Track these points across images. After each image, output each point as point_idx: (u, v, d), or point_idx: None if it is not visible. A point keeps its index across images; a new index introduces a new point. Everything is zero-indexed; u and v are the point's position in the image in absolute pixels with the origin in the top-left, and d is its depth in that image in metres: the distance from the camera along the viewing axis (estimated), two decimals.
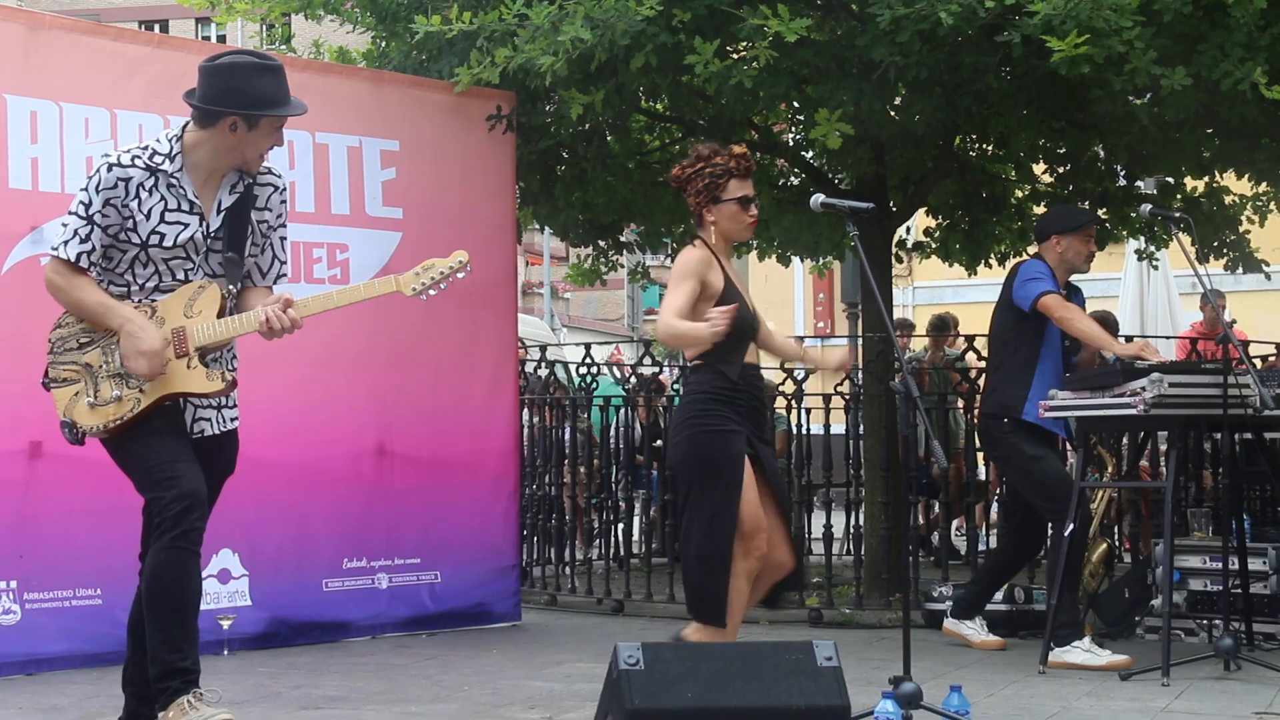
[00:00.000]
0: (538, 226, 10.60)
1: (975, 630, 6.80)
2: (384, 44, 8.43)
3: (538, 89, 7.49)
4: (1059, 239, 6.59)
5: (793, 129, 9.53)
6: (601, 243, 9.86)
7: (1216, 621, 6.41)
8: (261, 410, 6.73)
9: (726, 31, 7.00)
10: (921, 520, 10.45)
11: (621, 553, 9.48)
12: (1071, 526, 6.19)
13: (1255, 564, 6.59)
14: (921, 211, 9.56)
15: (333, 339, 6.88)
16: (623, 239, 10.03)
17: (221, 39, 30.97)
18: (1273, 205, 9.38)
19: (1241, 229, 9.34)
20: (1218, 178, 9.14)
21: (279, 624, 6.89)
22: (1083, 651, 6.19)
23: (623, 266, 11.35)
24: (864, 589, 8.08)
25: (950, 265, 10.27)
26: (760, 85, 7.06)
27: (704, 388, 5.08)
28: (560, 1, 6.66)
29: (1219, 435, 6.71)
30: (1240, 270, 9.38)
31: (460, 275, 4.60)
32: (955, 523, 10.68)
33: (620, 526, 9.80)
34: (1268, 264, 9.41)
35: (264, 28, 10.25)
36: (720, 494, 4.96)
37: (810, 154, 8.73)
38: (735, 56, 7.36)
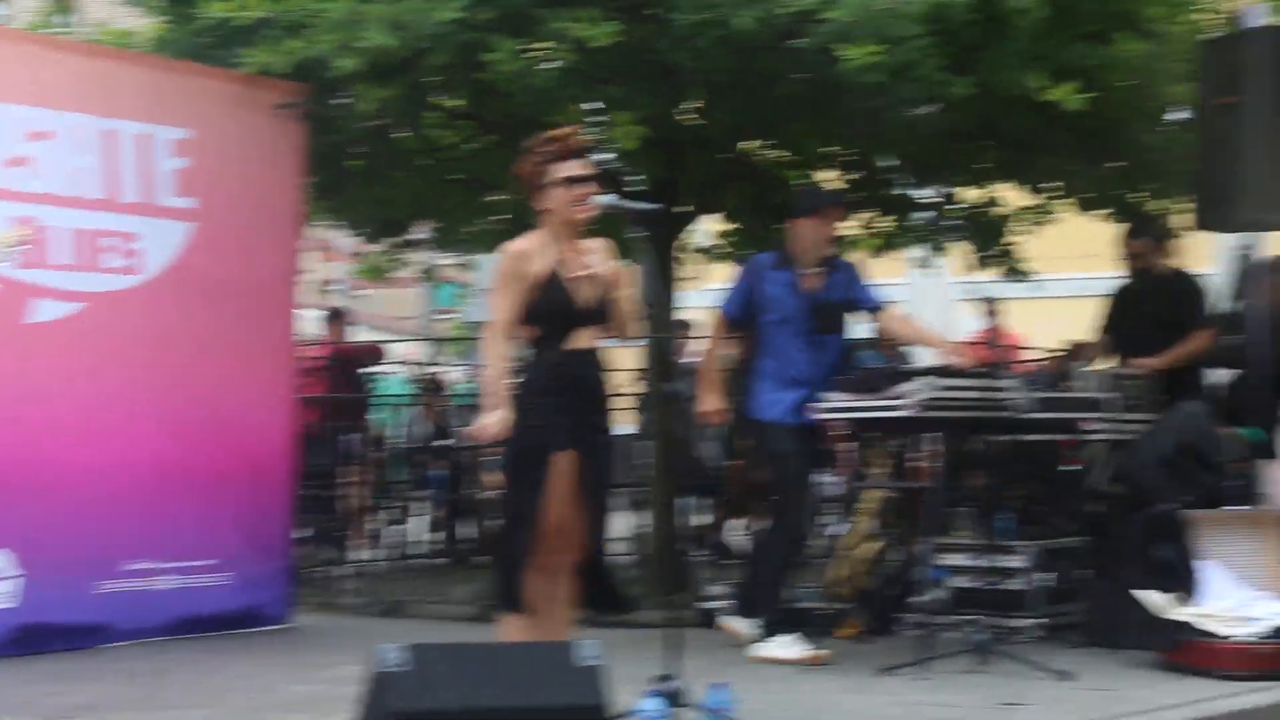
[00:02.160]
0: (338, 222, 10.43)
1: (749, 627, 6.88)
2: (172, 28, 8.20)
3: (330, 80, 7.36)
4: (797, 221, 6.71)
5: (589, 129, 9.52)
6: (391, 239, 9.74)
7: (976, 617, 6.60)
8: (40, 411, 6.56)
9: (527, 31, 6.95)
10: (710, 520, 10.57)
11: (403, 554, 9.39)
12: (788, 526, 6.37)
13: (1012, 562, 6.82)
14: (717, 215, 9.66)
15: (109, 337, 6.70)
16: (412, 237, 9.92)
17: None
18: (1043, 216, 9.68)
19: (1015, 239, 9.64)
20: (993, 188, 9.41)
21: (42, 629, 6.64)
22: (782, 646, 6.34)
23: (413, 264, 11.24)
24: (645, 589, 8.13)
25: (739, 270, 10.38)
26: (558, 86, 7.03)
27: (527, 377, 5.05)
28: None
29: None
30: (1011, 279, 9.68)
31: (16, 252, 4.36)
32: (742, 522, 10.82)
33: (402, 526, 9.71)
34: (1038, 273, 9.71)
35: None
36: (525, 491, 4.95)
37: (606, 155, 8.75)
38: (534, 55, 7.32)
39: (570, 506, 5.00)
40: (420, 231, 9.96)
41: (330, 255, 33.69)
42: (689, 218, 8.97)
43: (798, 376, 6.50)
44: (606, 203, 5.20)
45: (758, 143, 8.85)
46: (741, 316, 6.77)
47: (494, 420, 4.93)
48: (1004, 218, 9.42)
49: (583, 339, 5.08)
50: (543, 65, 6.88)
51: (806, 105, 7.35)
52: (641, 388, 8.68)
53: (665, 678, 4.77)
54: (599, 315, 5.09)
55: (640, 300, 5.70)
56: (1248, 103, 6.80)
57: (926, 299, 13.12)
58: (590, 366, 5.14)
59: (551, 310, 4.98)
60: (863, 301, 6.76)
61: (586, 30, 6.41)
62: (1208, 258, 8.67)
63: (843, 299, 6.72)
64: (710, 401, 6.72)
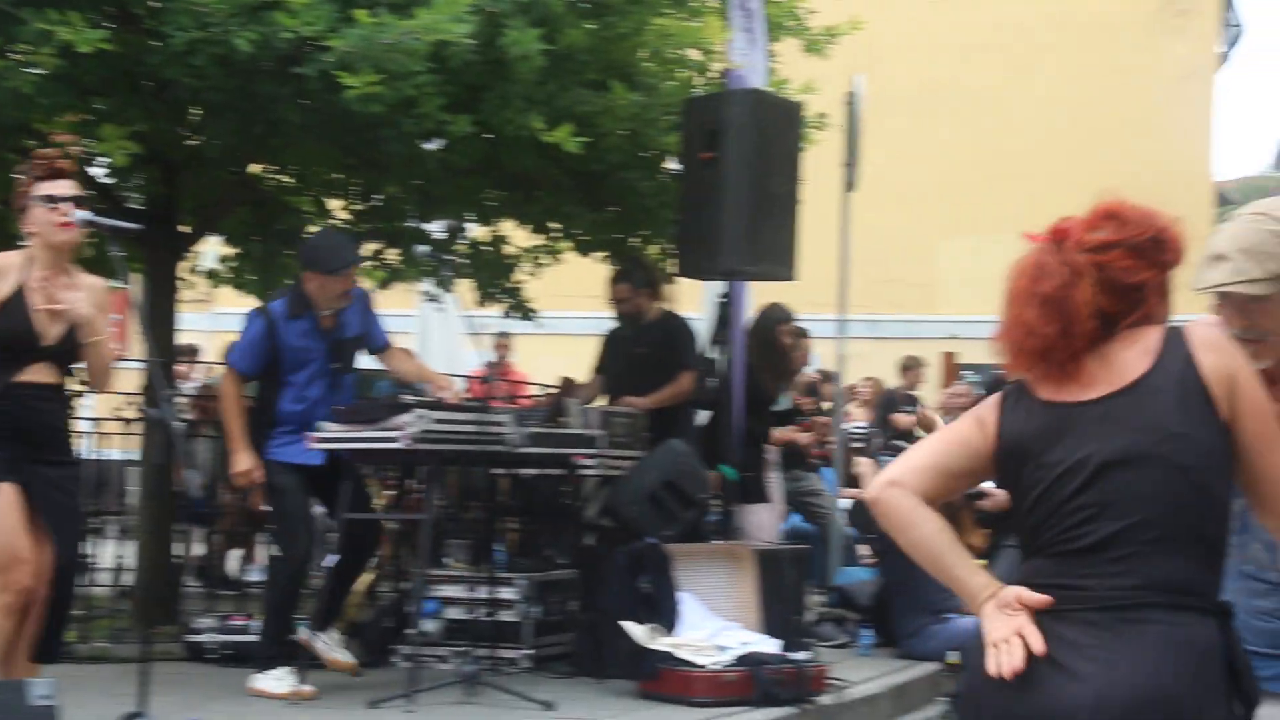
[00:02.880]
0: None
1: (327, 646, 6.67)
2: None
3: None
4: (313, 276, 6.61)
5: (83, 142, 9.08)
6: None
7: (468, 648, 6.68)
8: None
9: (8, 31, 6.56)
10: (203, 550, 10.25)
11: None
12: (331, 557, 6.29)
13: (507, 594, 6.95)
14: (224, 238, 9.41)
15: None
16: None
17: None
18: (547, 256, 9.94)
19: (520, 277, 9.86)
20: (499, 226, 9.61)
21: None
22: (274, 680, 6.29)
23: None
24: (129, 621, 7.79)
25: (243, 294, 10.15)
26: (42, 93, 6.66)
27: None
28: None
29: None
30: (515, 317, 9.90)
31: None
32: (239, 553, 10.57)
33: None
34: (537, 312, 9.96)
35: None
36: None
37: (98, 170, 8.36)
38: (14, 59, 6.90)
39: (21, 538, 4.72)
40: None
41: None
42: (193, 238, 8.70)
43: (318, 416, 6.40)
44: (82, 219, 4.99)
45: (261, 166, 8.70)
46: (257, 372, 6.59)
47: None
48: (508, 255, 9.63)
49: (40, 373, 4.86)
50: (25, 70, 6.50)
51: (309, 131, 7.29)
52: (135, 412, 8.35)
53: (134, 715, 4.59)
54: (61, 352, 4.88)
55: (136, 323, 5.48)
56: (726, 159, 7.20)
57: (435, 332, 13.18)
58: (43, 400, 4.89)
59: (3, 337, 4.72)
60: (373, 338, 6.77)
61: (70, 35, 6.11)
62: (698, 302, 9.12)
63: (358, 334, 6.70)
64: (243, 461, 6.50)
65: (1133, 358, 2.48)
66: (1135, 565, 2.40)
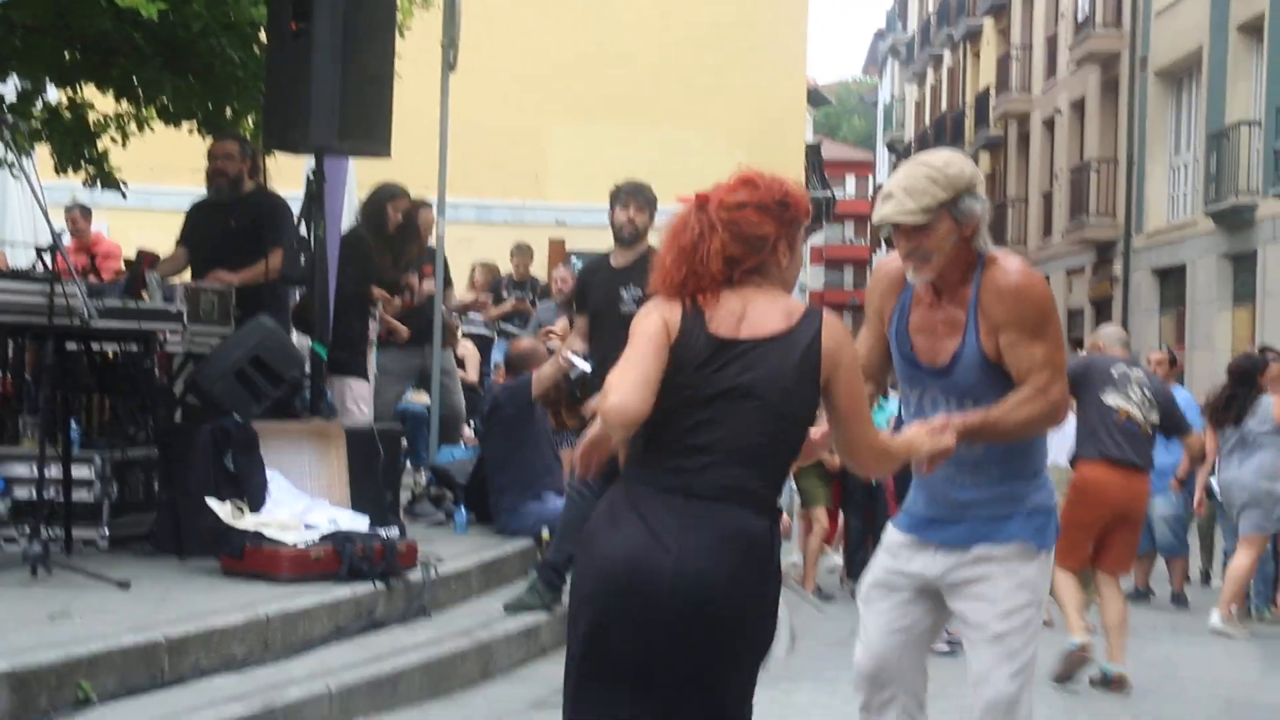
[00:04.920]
0: None
1: None
2: None
3: None
4: None
5: None
6: None
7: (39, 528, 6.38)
8: None
9: None
10: None
11: None
12: None
13: (82, 472, 6.67)
14: None
15: None
16: None
17: None
18: (133, 124, 9.50)
19: (103, 146, 9.40)
20: (80, 91, 9.10)
21: None
22: None
23: None
24: None
25: None
26: None
27: None
28: None
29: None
30: (100, 187, 9.44)
31: None
32: None
33: None
34: (126, 183, 9.54)
35: None
36: None
37: None
38: None
39: None
40: None
41: None
42: None
43: None
44: None
45: None
46: None
47: None
48: (91, 122, 9.17)
49: None
50: None
51: None
52: None
53: None
54: None
55: None
56: (316, 31, 7.00)
57: (13, 200, 12.42)
58: None
59: None
60: None
61: None
62: (300, 180, 8.91)
63: None
64: None
65: (777, 316, 3.15)
66: (722, 470, 3.09)
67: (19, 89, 8.81)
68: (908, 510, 3.98)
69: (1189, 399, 11.28)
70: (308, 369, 7.69)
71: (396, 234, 8.93)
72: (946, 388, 3.75)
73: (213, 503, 6.50)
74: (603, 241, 7.31)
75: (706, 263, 3.14)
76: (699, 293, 3.14)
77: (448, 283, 10.00)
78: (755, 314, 3.15)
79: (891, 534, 4.00)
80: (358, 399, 8.70)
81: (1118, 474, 7.37)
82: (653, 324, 3.15)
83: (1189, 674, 8.03)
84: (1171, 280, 24.03)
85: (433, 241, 9.43)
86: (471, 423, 10.06)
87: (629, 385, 3.06)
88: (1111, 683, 7.12)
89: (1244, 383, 9.53)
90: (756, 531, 3.11)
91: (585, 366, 7.27)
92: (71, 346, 6.78)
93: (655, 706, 3.11)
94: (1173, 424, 7.77)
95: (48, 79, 8.64)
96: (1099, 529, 7.45)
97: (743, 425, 3.10)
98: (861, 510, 9.33)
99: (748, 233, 3.16)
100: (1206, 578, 12.12)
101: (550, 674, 6.59)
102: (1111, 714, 6.81)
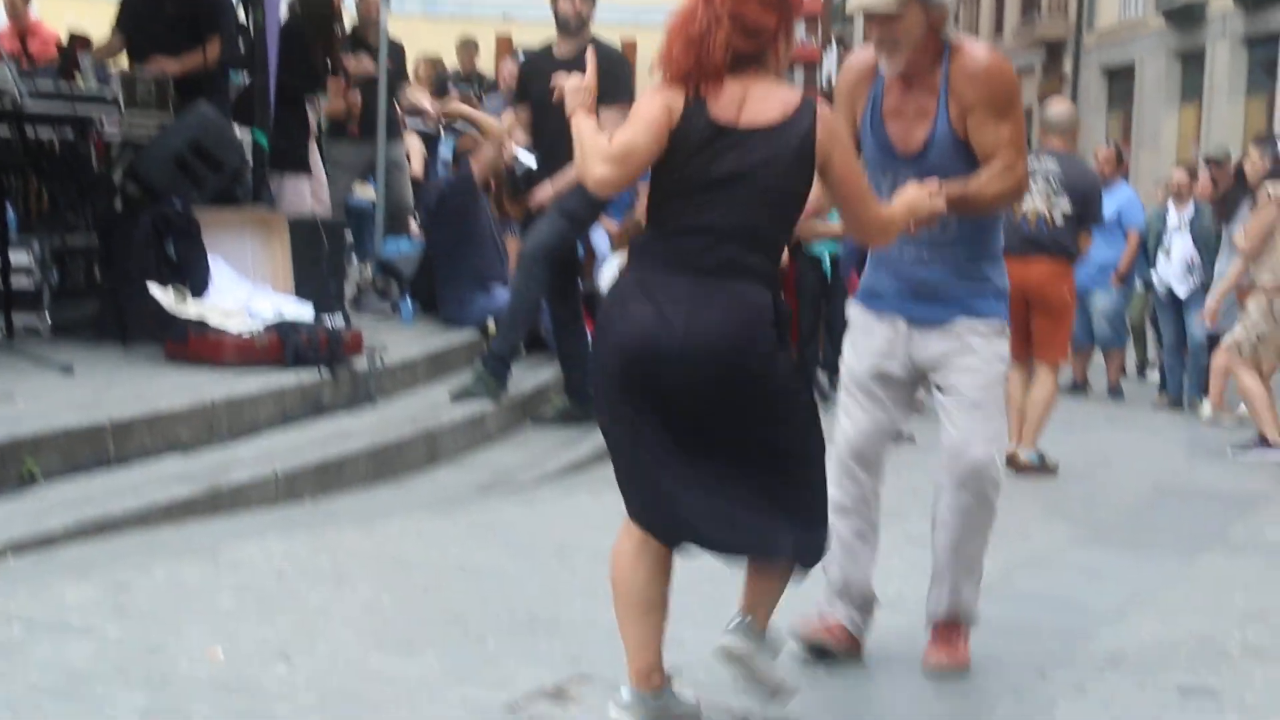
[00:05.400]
0: None
1: None
2: None
3: None
4: None
5: None
6: None
7: None
8: None
9: None
10: None
11: None
12: None
13: (20, 259, 6.61)
14: None
15: None
16: None
17: None
18: None
19: None
20: None
21: None
22: None
23: None
24: None
25: None
26: None
27: None
28: None
29: None
30: None
31: None
32: None
33: None
34: None
35: None
36: None
37: None
38: None
39: None
40: None
41: None
42: None
43: None
44: None
45: None
46: None
47: None
48: None
49: None
50: None
51: None
52: None
53: None
54: None
55: None
56: None
57: None
58: None
59: None
60: None
61: None
62: None
63: None
64: None
65: (774, 106, 3.32)
66: (726, 247, 3.28)
67: None
68: (873, 290, 4.12)
69: (1132, 196, 11.32)
70: (249, 158, 7.59)
71: (326, 20, 8.75)
72: (920, 172, 3.89)
73: (155, 289, 6.47)
74: (551, 36, 7.19)
75: (712, 53, 3.29)
76: (703, 81, 3.31)
77: (404, 76, 9.84)
78: (754, 101, 3.32)
79: (861, 316, 4.14)
80: (300, 190, 8.60)
81: (1015, 264, 7.32)
82: (656, 106, 3.31)
83: (1121, 462, 8.23)
84: (1120, 79, 23.94)
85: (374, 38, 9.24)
86: (416, 215, 9.98)
87: (614, 154, 3.28)
88: (1010, 462, 6.95)
89: (1243, 185, 9.34)
90: (761, 301, 3.30)
91: (531, 162, 7.19)
92: (3, 132, 6.64)
93: (706, 465, 3.28)
94: (1085, 213, 7.71)
95: None
96: (1020, 319, 7.34)
97: (742, 207, 3.29)
98: (815, 303, 9.35)
99: (752, 25, 3.31)
100: (1142, 370, 12.35)
101: (496, 460, 6.69)
102: (1045, 496, 6.96)
